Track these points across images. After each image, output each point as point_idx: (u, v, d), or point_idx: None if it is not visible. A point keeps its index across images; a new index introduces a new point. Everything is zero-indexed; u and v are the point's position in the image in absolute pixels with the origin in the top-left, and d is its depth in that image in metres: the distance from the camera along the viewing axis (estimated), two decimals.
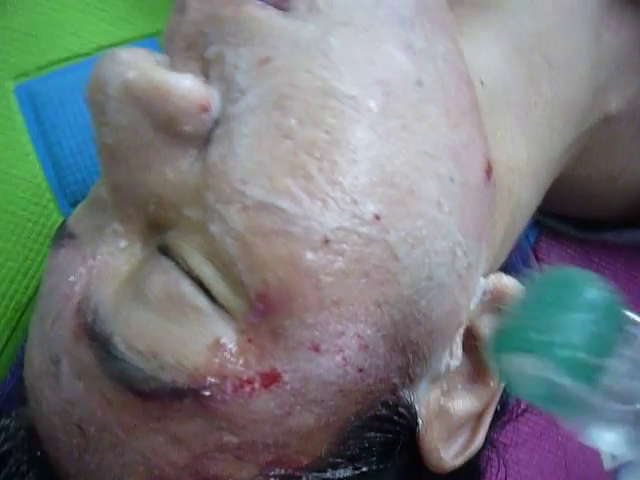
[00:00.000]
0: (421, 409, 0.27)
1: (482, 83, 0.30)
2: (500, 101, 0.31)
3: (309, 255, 0.22)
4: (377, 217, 0.22)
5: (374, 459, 0.26)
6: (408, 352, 0.25)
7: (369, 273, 0.22)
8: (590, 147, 0.38)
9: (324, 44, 0.23)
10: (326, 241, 0.22)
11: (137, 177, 0.24)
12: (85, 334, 0.23)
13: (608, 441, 0.20)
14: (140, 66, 0.23)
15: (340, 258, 0.22)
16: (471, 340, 0.28)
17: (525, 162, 0.32)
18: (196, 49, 0.24)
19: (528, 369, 0.21)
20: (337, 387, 0.23)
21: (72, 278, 0.25)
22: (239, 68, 0.23)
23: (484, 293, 0.28)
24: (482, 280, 0.28)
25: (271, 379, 0.22)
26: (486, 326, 0.28)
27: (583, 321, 0.22)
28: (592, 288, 0.23)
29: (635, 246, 0.44)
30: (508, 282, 0.28)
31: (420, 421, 0.27)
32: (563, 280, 0.23)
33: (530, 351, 0.21)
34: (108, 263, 0.25)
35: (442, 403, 0.28)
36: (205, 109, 0.23)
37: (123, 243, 0.25)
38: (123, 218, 0.25)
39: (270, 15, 0.24)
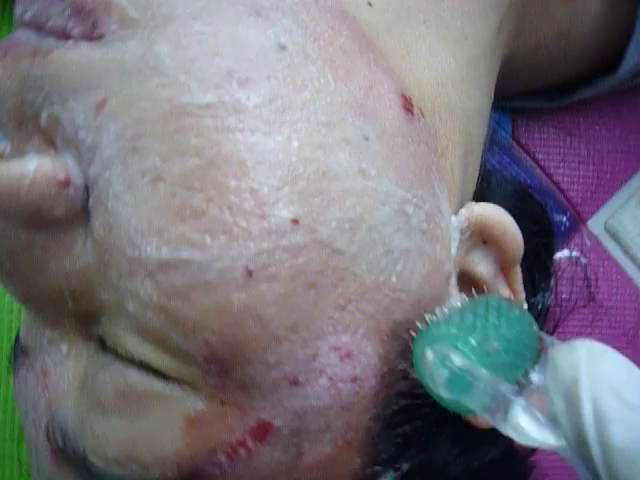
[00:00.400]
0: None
1: (370, 4, 0.26)
2: (399, 14, 0.27)
3: (237, 296, 0.19)
4: (295, 221, 0.19)
5: (414, 451, 0.24)
6: (401, 333, 0.22)
7: (315, 282, 0.20)
8: (525, 15, 0.33)
9: (152, 58, 0.20)
10: (249, 273, 0.19)
11: (37, 281, 0.21)
12: (63, 459, 0.22)
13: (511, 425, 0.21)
14: None
15: (274, 283, 0.19)
16: (470, 282, 0.25)
17: (454, 67, 0.28)
18: (30, 121, 0.21)
19: (443, 359, 0.21)
20: (337, 407, 0.21)
21: (35, 401, 0.23)
22: (78, 124, 0.20)
23: (461, 232, 0.25)
24: (454, 219, 0.25)
25: (262, 431, 0.20)
26: (478, 263, 0.25)
27: (497, 325, 0.22)
28: (514, 308, 0.23)
29: (616, 92, 0.40)
30: (482, 210, 0.25)
31: None
32: (491, 302, 0.23)
33: (446, 342, 0.21)
34: (59, 374, 0.22)
35: None
36: (64, 184, 0.20)
37: (64, 348, 0.23)
38: (50, 324, 0.22)
39: (83, 52, 0.20)
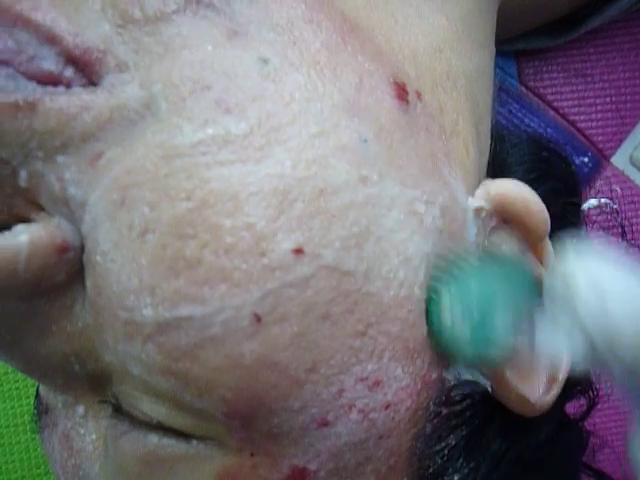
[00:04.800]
0: (481, 368, 0.22)
1: None
2: None
3: (248, 346, 0.17)
4: (298, 250, 0.17)
5: (461, 461, 0.22)
6: (430, 344, 0.20)
7: (328, 313, 0.18)
8: None
9: (153, 103, 0.18)
10: (257, 319, 0.17)
11: (40, 348, 0.20)
12: None
13: None
14: None
15: (285, 324, 0.17)
16: None
17: (448, 28, 0.25)
18: (6, 182, 0.18)
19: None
20: (374, 438, 0.19)
21: (63, 464, 0.22)
22: (66, 180, 0.18)
23: (478, 214, 0.22)
24: (470, 201, 0.22)
25: (298, 478, 0.19)
26: (500, 244, 0.23)
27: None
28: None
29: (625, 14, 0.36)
30: (500, 189, 0.22)
31: (486, 382, 0.23)
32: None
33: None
34: (80, 437, 0.21)
35: None
36: (63, 250, 0.18)
37: (80, 409, 0.21)
38: (60, 389, 0.21)
39: (84, 101, 0.17)
